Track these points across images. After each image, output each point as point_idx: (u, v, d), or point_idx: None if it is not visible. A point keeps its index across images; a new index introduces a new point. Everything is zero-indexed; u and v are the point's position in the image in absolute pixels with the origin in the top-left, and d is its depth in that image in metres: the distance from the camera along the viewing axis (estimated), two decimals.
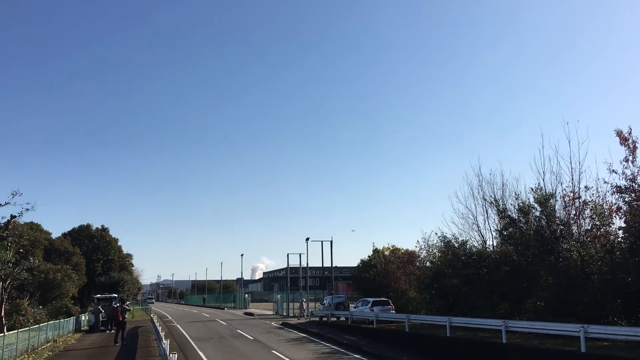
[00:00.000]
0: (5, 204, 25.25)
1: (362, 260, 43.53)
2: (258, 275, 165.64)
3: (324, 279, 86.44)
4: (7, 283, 29.26)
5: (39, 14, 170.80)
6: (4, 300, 28.59)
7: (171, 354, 14.38)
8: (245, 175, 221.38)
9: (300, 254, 53.59)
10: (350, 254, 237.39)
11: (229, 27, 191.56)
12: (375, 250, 42.42)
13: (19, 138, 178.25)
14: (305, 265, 52.82)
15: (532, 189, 22.40)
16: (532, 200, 22.51)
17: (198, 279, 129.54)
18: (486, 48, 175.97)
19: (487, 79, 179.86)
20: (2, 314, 27.83)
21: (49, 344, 27.95)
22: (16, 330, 23.61)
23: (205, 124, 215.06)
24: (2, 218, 26.51)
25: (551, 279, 20.38)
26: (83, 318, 41.90)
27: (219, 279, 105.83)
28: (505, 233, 24.43)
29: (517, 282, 21.97)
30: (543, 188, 21.98)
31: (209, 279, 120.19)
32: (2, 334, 21.87)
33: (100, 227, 69.08)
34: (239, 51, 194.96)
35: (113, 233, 70.52)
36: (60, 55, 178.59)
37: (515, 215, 23.57)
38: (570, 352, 15.36)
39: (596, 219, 20.00)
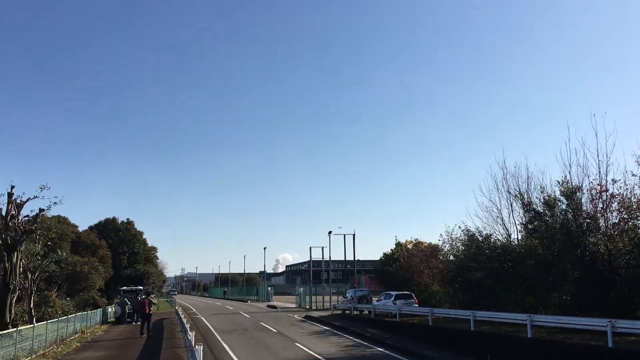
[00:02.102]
0: (34, 197, 25.63)
1: (384, 253, 43.57)
2: (282, 265, 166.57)
3: (346, 272, 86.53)
4: (35, 275, 29.85)
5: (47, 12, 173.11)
6: (33, 292, 29.19)
7: (197, 345, 14.54)
8: (268, 169, 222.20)
9: (322, 248, 53.70)
10: (372, 248, 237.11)
11: (248, 20, 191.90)
12: (398, 244, 42.36)
13: (47, 134, 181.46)
14: (328, 259, 52.92)
15: (558, 182, 22.05)
16: (558, 193, 22.17)
17: (221, 271, 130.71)
18: (512, 41, 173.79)
19: (513, 72, 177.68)
20: (32, 305, 28.40)
21: (77, 335, 28.51)
22: (45, 322, 24.13)
23: (226, 118, 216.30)
24: (31, 211, 26.96)
25: (577, 273, 20.10)
26: (110, 310, 42.60)
27: (242, 272, 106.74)
28: (530, 226, 24.12)
29: (543, 276, 21.67)
30: (569, 181, 21.63)
31: (232, 272, 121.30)
32: (32, 325, 22.35)
33: (125, 221, 70.07)
34: (252, 44, 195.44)
35: (138, 226, 71.59)
36: (77, 53, 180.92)
37: (540, 209, 23.24)
38: (597, 347, 15.17)
39: (624, 212, 19.64)
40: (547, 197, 22.73)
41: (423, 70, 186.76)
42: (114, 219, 69.09)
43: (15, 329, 20.74)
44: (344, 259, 54.81)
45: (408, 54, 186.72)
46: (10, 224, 24.69)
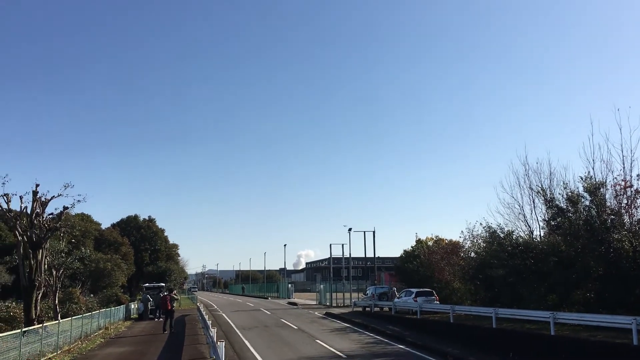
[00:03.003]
0: (58, 195, 26.04)
1: (405, 250, 43.34)
2: (304, 261, 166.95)
3: (366, 270, 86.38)
4: (60, 272, 30.30)
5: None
6: (58, 288, 29.63)
7: (219, 342, 14.66)
8: (289, 165, 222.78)
9: (342, 245, 53.83)
10: (393, 245, 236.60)
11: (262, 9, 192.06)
12: (419, 241, 42.15)
13: (70, 132, 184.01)
14: (348, 256, 52.94)
15: (581, 178, 21.83)
16: (581, 189, 21.94)
17: (242, 269, 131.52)
18: (534, 35, 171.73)
19: (535, 65, 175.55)
20: (56, 302, 28.84)
21: (100, 331, 28.90)
22: (70, 318, 24.50)
23: (246, 117, 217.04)
24: (55, 209, 27.42)
25: (601, 270, 19.85)
26: (132, 306, 43.08)
27: (263, 268, 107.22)
28: (553, 223, 23.87)
29: (566, 273, 21.45)
30: (593, 177, 21.39)
31: (252, 269, 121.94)
32: (57, 322, 22.70)
33: (147, 218, 70.81)
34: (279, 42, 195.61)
35: (159, 224, 72.23)
36: (97, 53, 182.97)
37: (563, 205, 23.00)
38: (621, 344, 14.97)
39: None
40: (570, 193, 22.49)
41: (441, 64, 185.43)
42: (136, 217, 69.84)
43: (40, 325, 21.10)
44: (364, 255, 54.76)
45: (425, 49, 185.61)
46: (35, 221, 25.11)
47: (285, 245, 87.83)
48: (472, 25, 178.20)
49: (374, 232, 51.68)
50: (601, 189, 20.98)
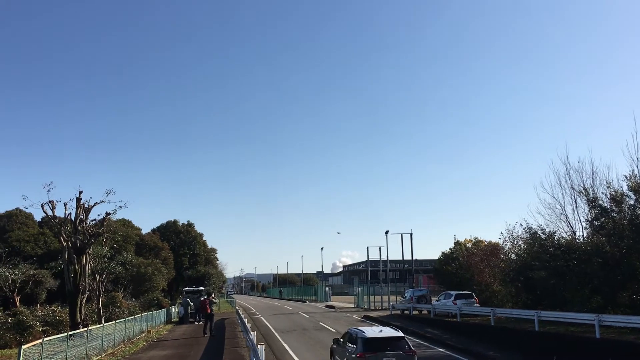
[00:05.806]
0: (101, 202, 26.70)
1: (443, 252, 42.91)
2: (348, 260, 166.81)
3: (404, 272, 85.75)
4: (103, 277, 31.04)
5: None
6: (101, 293, 30.34)
7: (259, 345, 14.76)
8: (327, 170, 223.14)
9: (380, 247, 53.41)
10: (430, 247, 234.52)
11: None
12: (457, 243, 41.68)
13: (110, 139, 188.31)
14: (386, 259, 52.62)
15: (625, 177, 21.28)
16: (625, 188, 21.38)
17: (279, 272, 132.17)
18: (573, 35, 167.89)
19: (574, 61, 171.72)
20: (100, 306, 29.54)
21: (143, 335, 29.43)
22: (113, 322, 25.05)
23: (283, 122, 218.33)
24: (98, 215, 28.09)
25: None
26: (173, 310, 43.74)
27: (300, 272, 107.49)
28: (596, 223, 23.28)
29: (611, 275, 20.87)
30: (637, 175, 20.80)
31: (290, 272, 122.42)
32: (101, 325, 23.23)
33: (186, 223, 71.67)
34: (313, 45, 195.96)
35: (198, 228, 73.10)
36: (128, 57, 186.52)
37: (607, 205, 22.43)
38: None
39: None
40: (613, 193, 21.94)
41: (478, 68, 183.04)
42: (175, 222, 70.85)
43: (85, 328, 21.65)
44: (401, 258, 54.39)
45: (465, 50, 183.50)
46: (79, 227, 25.77)
47: (322, 248, 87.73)
48: (508, 19, 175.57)
49: (411, 234, 51.33)
50: None
